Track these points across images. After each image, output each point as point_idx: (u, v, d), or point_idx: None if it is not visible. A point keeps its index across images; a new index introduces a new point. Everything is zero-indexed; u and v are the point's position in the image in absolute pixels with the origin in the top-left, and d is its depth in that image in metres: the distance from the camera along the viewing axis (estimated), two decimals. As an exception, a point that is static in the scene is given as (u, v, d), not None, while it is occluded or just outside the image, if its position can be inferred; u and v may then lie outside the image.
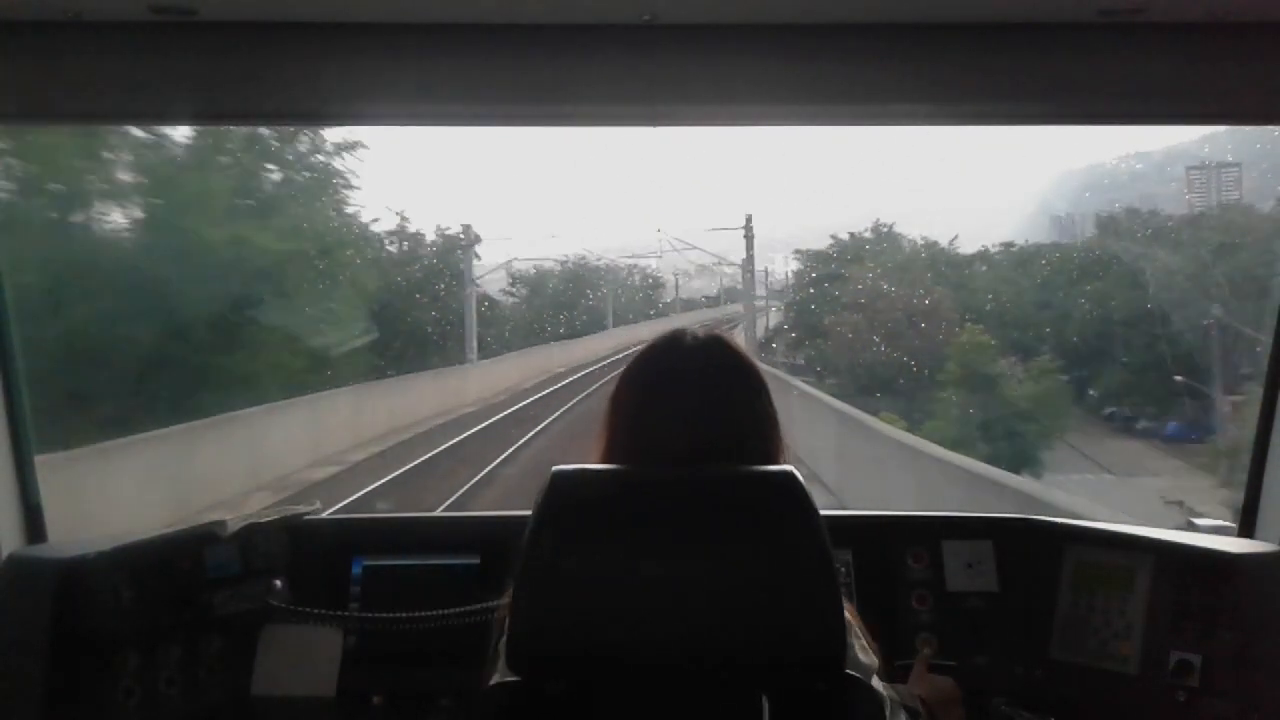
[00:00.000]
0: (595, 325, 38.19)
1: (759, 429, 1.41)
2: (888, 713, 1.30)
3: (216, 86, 1.90)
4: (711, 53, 1.89)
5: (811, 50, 1.90)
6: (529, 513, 1.22)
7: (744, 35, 1.89)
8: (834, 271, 28.09)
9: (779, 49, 1.90)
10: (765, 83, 1.94)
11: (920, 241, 30.30)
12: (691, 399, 1.38)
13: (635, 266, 45.55)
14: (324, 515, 2.53)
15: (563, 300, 38.98)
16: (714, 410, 1.38)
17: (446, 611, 2.14)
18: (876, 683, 1.32)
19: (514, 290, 38.21)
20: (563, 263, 40.71)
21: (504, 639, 1.34)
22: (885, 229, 30.39)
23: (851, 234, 30.12)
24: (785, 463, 1.39)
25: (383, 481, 13.50)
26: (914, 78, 1.93)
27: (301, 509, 2.38)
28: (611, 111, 2.06)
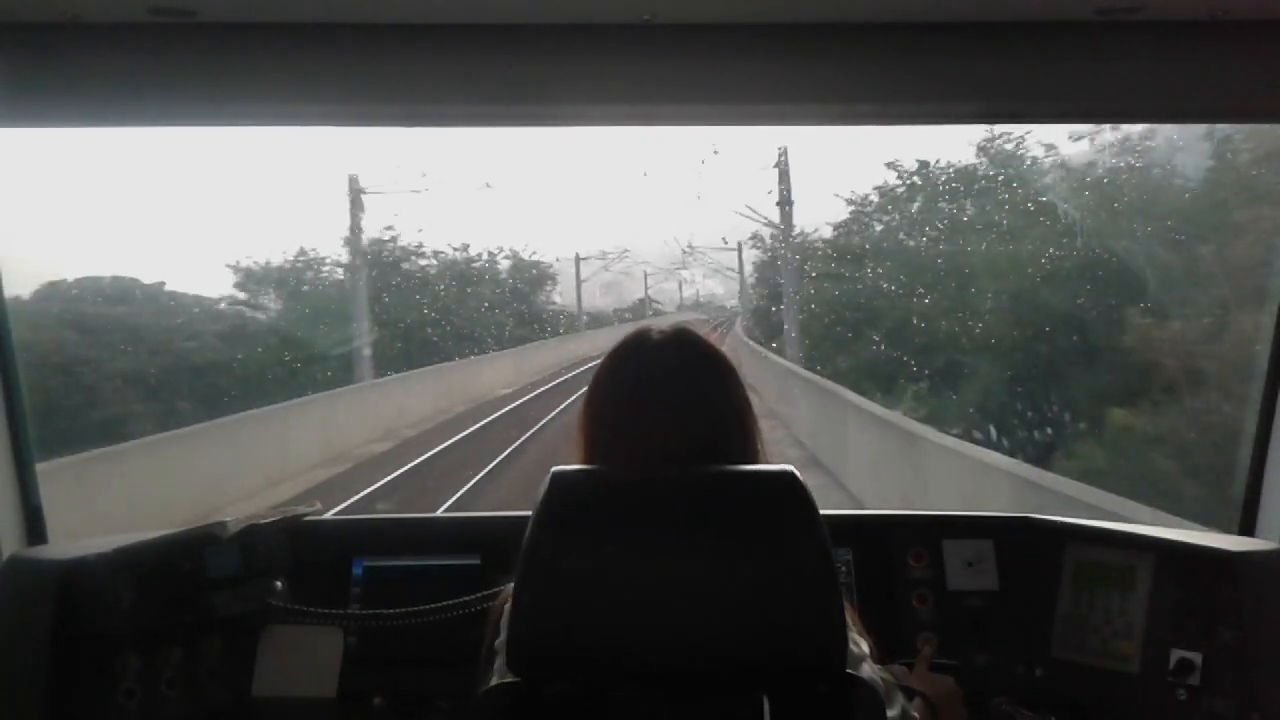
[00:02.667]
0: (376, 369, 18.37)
1: (740, 420, 1.41)
2: (883, 697, 1.30)
3: (216, 88, 1.90)
4: (711, 52, 1.90)
5: (809, 49, 1.90)
6: (529, 513, 1.22)
7: (744, 35, 1.89)
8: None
9: (778, 48, 1.90)
10: (765, 82, 1.94)
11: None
12: (670, 398, 1.38)
13: (502, 250, 27.91)
14: (325, 516, 2.53)
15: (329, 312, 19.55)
16: (695, 407, 1.38)
17: (444, 604, 2.12)
18: (868, 669, 1.32)
19: (246, 298, 20.60)
20: (346, 240, 20.36)
21: (499, 639, 1.34)
22: (1001, 142, 14.80)
23: (925, 163, 15.21)
24: (764, 449, 1.41)
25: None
26: (912, 77, 1.93)
27: (302, 509, 2.38)
28: (611, 111, 2.06)
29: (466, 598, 2.12)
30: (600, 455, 1.39)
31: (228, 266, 21.00)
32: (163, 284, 18.96)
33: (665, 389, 1.39)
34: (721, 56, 1.90)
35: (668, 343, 1.44)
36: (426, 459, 14.19)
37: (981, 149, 14.83)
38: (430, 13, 1.83)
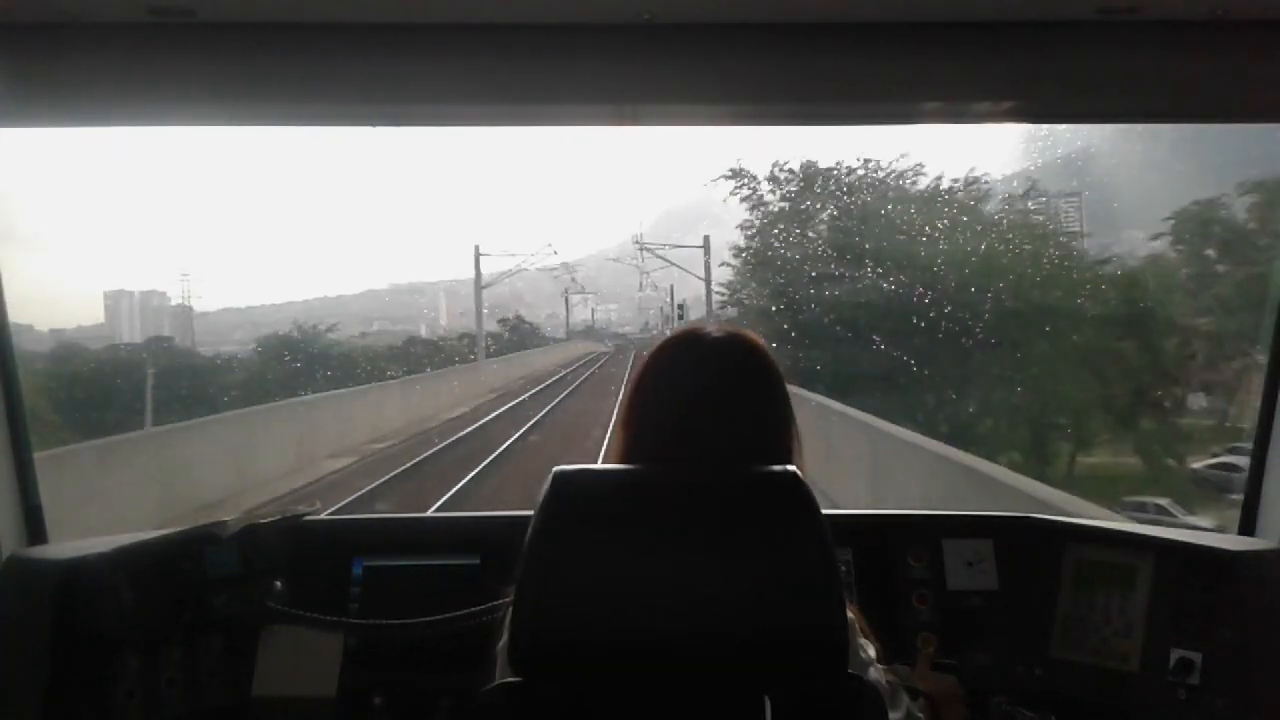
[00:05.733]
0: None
1: (782, 431, 1.40)
2: (887, 701, 1.30)
3: (215, 88, 1.90)
4: (711, 52, 1.90)
5: (808, 49, 1.90)
6: (530, 513, 1.22)
7: (743, 34, 1.89)
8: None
9: (776, 48, 1.90)
10: (764, 82, 1.95)
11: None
12: (722, 401, 1.37)
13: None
14: (324, 516, 2.53)
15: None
16: (746, 411, 1.38)
17: (442, 617, 2.12)
18: (875, 672, 1.33)
19: None
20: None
21: (502, 639, 1.34)
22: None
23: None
24: (799, 463, 1.39)
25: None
26: (912, 77, 1.93)
27: (302, 509, 2.38)
28: (610, 111, 2.06)
29: (461, 611, 2.11)
30: (640, 453, 1.38)
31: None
32: None
33: (719, 392, 1.38)
34: (720, 56, 1.90)
35: (722, 344, 1.42)
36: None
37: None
38: (430, 12, 1.83)
